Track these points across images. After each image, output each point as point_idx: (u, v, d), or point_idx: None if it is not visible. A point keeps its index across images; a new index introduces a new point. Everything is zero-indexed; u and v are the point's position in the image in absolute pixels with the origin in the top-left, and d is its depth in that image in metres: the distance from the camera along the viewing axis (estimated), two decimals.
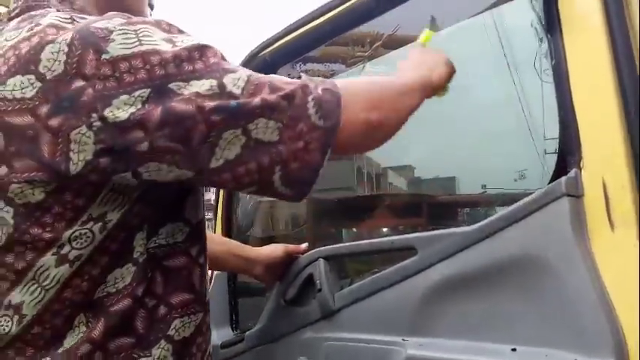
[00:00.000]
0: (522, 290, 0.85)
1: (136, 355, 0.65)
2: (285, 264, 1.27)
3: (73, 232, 0.61)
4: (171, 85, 0.58)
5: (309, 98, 0.62)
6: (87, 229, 0.62)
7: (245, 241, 1.56)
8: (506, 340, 0.85)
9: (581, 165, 0.83)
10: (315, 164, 0.62)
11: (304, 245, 1.30)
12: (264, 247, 1.30)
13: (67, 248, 0.61)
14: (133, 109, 0.57)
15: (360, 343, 1.07)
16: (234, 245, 1.30)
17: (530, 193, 0.87)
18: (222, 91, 0.60)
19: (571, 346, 0.78)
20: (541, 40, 0.93)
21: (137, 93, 0.58)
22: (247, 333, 1.34)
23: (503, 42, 1.16)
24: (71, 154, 0.58)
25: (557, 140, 0.92)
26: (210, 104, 0.58)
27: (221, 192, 1.49)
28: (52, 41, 0.59)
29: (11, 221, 0.61)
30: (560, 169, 0.87)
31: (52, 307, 0.63)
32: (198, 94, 0.58)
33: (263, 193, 0.65)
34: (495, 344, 0.86)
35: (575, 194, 0.82)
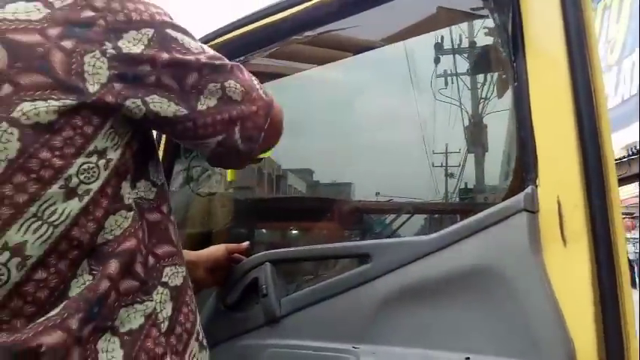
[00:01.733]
0: (477, 300, 0.88)
1: (139, 299, 0.66)
2: (227, 265, 1.20)
3: (82, 165, 0.61)
4: (169, 31, 0.68)
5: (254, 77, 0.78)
6: (93, 163, 0.62)
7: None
8: (460, 348, 0.87)
9: (537, 182, 0.88)
10: (262, 126, 0.76)
11: (245, 244, 1.25)
12: (205, 249, 1.23)
13: (75, 180, 0.60)
14: (142, 46, 0.64)
15: (307, 350, 1.05)
16: None
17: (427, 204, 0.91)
18: (205, 51, 0.72)
19: (523, 355, 0.81)
20: (437, 62, 0.97)
21: (143, 31, 0.65)
22: None
23: (408, 64, 1.22)
24: (86, 75, 0.60)
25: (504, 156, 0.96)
26: (202, 59, 0.70)
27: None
28: None
29: (17, 144, 0.57)
30: (516, 186, 0.92)
31: (59, 246, 0.60)
32: (191, 49, 0.70)
33: (227, 144, 0.74)
34: (449, 353, 0.88)
35: (532, 210, 0.86)
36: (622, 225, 0.85)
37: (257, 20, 1.31)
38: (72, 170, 0.60)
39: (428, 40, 1.19)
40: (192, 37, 0.73)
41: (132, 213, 0.68)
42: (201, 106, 0.70)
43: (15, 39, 0.58)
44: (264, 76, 1.53)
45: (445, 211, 1.48)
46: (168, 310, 0.69)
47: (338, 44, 1.45)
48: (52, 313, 0.59)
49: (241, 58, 1.39)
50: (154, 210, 0.72)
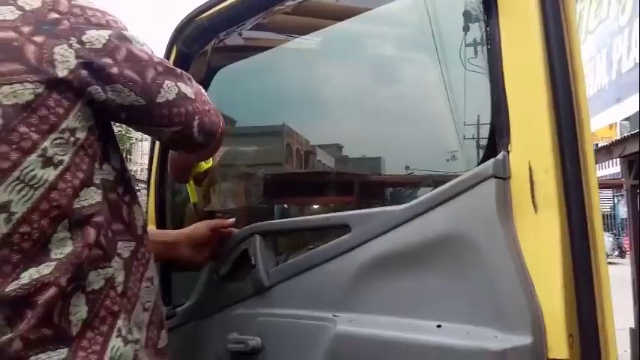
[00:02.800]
0: (449, 269, 0.88)
1: (101, 265, 0.76)
2: (212, 240, 1.22)
3: (54, 140, 0.71)
4: (125, 33, 0.79)
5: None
6: (65, 138, 0.72)
7: (182, 217, 1.51)
8: (432, 316, 0.88)
9: (509, 148, 0.85)
10: (218, 124, 0.90)
11: (231, 220, 1.26)
12: (185, 228, 1.24)
13: (50, 152, 0.70)
14: (103, 41, 0.75)
15: (291, 319, 1.07)
16: (152, 232, 1.19)
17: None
18: (155, 55, 0.82)
19: (492, 323, 0.81)
20: (466, 29, 0.94)
21: (102, 31, 0.75)
22: (179, 309, 1.32)
23: (432, 30, 1.17)
24: (56, 62, 0.71)
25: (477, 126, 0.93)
26: (155, 59, 0.81)
27: (153, 168, 1.42)
28: None
29: (0, 120, 0.67)
30: (490, 152, 0.89)
31: (41, 206, 0.70)
32: (145, 49, 0.81)
33: (183, 134, 0.85)
34: (422, 321, 0.88)
35: (502, 176, 0.84)
36: (596, 190, 0.82)
37: None
38: (47, 143, 0.70)
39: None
40: (144, 42, 0.82)
41: (100, 191, 0.78)
42: (160, 99, 0.80)
43: None
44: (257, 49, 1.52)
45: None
46: (122, 276, 0.80)
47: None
48: (45, 272, 0.70)
49: (229, 31, 1.39)
50: (112, 191, 0.81)
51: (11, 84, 0.68)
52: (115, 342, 0.76)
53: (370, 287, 0.97)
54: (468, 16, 0.98)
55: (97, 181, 0.77)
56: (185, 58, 1.44)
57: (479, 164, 0.89)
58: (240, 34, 1.43)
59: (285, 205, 1.79)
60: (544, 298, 0.79)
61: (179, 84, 0.83)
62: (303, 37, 1.47)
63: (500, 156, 0.84)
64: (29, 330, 0.69)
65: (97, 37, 0.74)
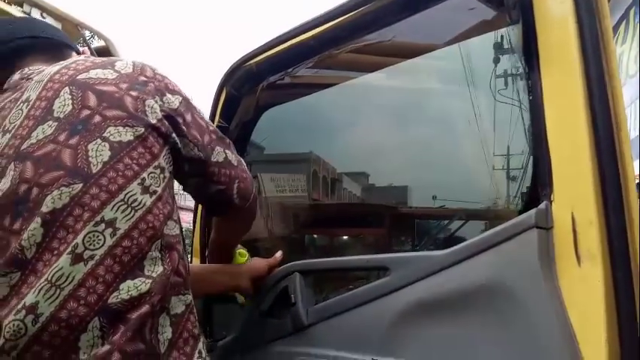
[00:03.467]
0: (488, 318, 0.87)
1: (182, 292, 0.86)
2: (266, 276, 1.27)
3: (150, 173, 0.84)
4: (191, 102, 0.95)
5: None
6: (157, 174, 0.85)
7: None
8: None
9: (552, 198, 0.85)
10: (252, 190, 1.04)
11: (279, 254, 1.30)
12: (249, 261, 1.30)
13: (148, 182, 0.83)
14: (177, 104, 0.91)
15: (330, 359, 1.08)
16: (212, 266, 1.30)
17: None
18: (211, 123, 1.01)
19: None
20: (496, 61, 0.95)
21: (176, 96, 0.92)
22: (220, 342, 1.35)
23: (463, 62, 1.19)
24: (148, 112, 0.86)
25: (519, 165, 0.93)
26: (211, 128, 0.99)
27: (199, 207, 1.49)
28: (119, 59, 0.95)
29: (108, 152, 0.81)
30: (531, 200, 0.89)
31: (139, 225, 0.81)
32: (204, 118, 0.98)
33: (225, 194, 0.99)
34: None
35: (545, 226, 0.83)
36: None
37: (289, 39, 1.35)
38: (145, 174, 0.83)
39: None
40: (202, 112, 0.98)
41: (178, 226, 0.90)
42: (214, 158, 0.96)
43: (100, 89, 0.85)
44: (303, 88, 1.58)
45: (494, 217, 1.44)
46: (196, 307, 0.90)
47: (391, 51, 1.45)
48: (143, 289, 0.79)
49: (276, 76, 1.45)
50: (179, 243, 0.90)
51: (116, 126, 0.83)
52: None
53: (408, 332, 0.97)
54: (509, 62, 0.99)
55: (176, 218, 0.90)
56: (234, 99, 1.51)
57: (520, 213, 0.89)
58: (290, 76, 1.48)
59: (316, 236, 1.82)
60: (587, 352, 0.77)
61: (227, 151, 0.99)
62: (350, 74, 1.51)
63: (542, 205, 0.84)
64: (126, 343, 0.76)
65: (173, 99, 0.91)
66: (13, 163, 0.82)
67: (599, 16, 0.83)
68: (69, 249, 0.77)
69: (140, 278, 0.79)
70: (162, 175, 0.86)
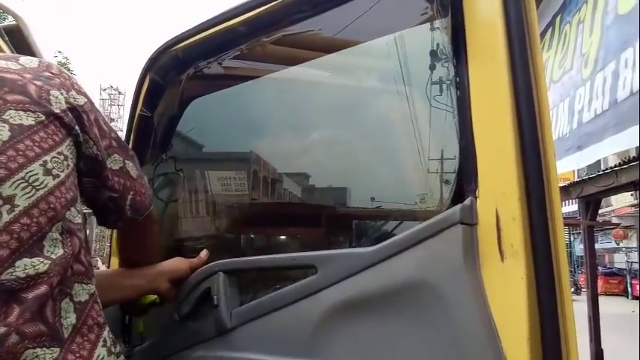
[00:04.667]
0: (413, 315, 0.85)
1: (85, 281, 0.86)
2: (188, 278, 1.19)
3: (53, 157, 0.82)
4: (94, 106, 0.93)
5: None
6: (60, 160, 0.83)
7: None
8: None
9: (477, 194, 0.84)
10: (148, 206, 1.04)
11: (204, 253, 1.23)
12: (166, 262, 1.21)
13: (49, 165, 0.81)
14: (82, 103, 0.89)
15: None
16: (125, 270, 1.19)
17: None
18: (115, 132, 0.98)
19: None
20: (432, 68, 0.94)
21: (81, 96, 0.91)
22: (137, 348, 1.26)
23: (401, 67, 1.18)
24: (52, 101, 0.84)
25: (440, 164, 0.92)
26: (113, 135, 0.97)
27: None
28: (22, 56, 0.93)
29: (8, 133, 0.78)
30: (457, 197, 0.88)
31: (40, 205, 0.78)
32: (107, 123, 0.97)
33: (117, 204, 0.97)
34: None
35: (469, 222, 0.83)
36: (563, 240, 0.81)
37: (217, 24, 1.28)
38: (47, 157, 0.81)
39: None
40: (106, 119, 0.97)
41: (80, 215, 0.87)
42: (109, 164, 0.94)
43: (2, 75, 0.83)
44: (234, 79, 1.51)
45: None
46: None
47: (312, 44, 1.42)
48: (41, 269, 0.77)
49: (204, 63, 1.38)
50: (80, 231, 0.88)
51: (17, 110, 0.81)
52: (101, 350, 0.84)
53: (335, 331, 0.94)
54: (436, 57, 0.98)
55: (79, 209, 0.87)
56: (158, 87, 1.42)
57: (447, 208, 0.88)
58: (219, 64, 1.42)
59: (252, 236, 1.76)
60: (509, 349, 0.77)
61: (126, 161, 0.98)
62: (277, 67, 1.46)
63: (467, 201, 0.83)
64: (24, 324, 0.74)
65: (78, 97, 0.89)
66: None
67: (526, 12, 0.84)
68: None
69: (39, 257, 0.77)
70: (65, 163, 0.84)
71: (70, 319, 0.81)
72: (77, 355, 0.80)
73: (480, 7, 0.88)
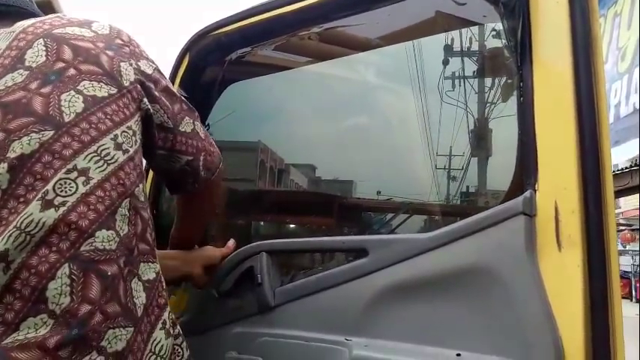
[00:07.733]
0: (471, 299, 0.90)
1: (151, 260, 0.85)
2: (218, 265, 1.23)
3: (123, 131, 0.83)
4: (161, 72, 0.95)
5: None
6: (130, 134, 0.84)
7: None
8: (452, 345, 0.89)
9: (536, 187, 0.89)
10: (218, 164, 1.04)
11: (231, 243, 1.27)
12: (200, 248, 1.24)
13: (120, 139, 0.82)
14: (151, 71, 0.92)
15: (299, 340, 1.06)
16: (163, 251, 1.21)
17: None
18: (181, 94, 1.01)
19: (514, 355, 0.83)
20: (446, 63, 0.99)
21: (150, 63, 0.93)
22: None
23: (410, 63, 1.23)
24: (123, 71, 0.86)
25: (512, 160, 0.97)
26: (182, 97, 0.99)
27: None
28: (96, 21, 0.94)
29: (81, 104, 0.80)
30: (514, 189, 0.93)
31: (111, 179, 0.79)
32: (175, 89, 0.99)
33: (192, 166, 0.98)
34: (442, 349, 0.90)
35: (530, 213, 0.88)
36: (615, 233, 0.87)
37: (264, 12, 1.30)
38: (117, 131, 0.82)
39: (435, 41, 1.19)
40: (172, 84, 1.00)
41: (145, 196, 0.88)
42: (182, 128, 0.95)
43: (76, 43, 0.84)
44: (272, 68, 1.54)
45: (445, 212, 1.50)
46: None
47: (343, 41, 1.45)
48: (112, 247, 0.77)
49: (248, 49, 1.40)
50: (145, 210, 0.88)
51: (90, 81, 0.82)
52: (158, 334, 0.83)
53: (387, 313, 0.98)
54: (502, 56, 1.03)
55: (143, 187, 0.87)
56: (197, 68, 1.43)
57: (503, 200, 0.93)
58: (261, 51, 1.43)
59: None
60: (565, 334, 0.82)
61: (195, 122, 0.99)
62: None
63: (528, 194, 0.88)
64: (107, 303, 0.74)
65: (147, 66, 0.91)
66: None
67: (589, 18, 0.89)
68: (39, 195, 0.74)
69: (112, 231, 0.78)
70: (134, 138, 0.85)
71: (141, 298, 0.81)
72: (144, 336, 0.80)
73: (547, 10, 0.93)
